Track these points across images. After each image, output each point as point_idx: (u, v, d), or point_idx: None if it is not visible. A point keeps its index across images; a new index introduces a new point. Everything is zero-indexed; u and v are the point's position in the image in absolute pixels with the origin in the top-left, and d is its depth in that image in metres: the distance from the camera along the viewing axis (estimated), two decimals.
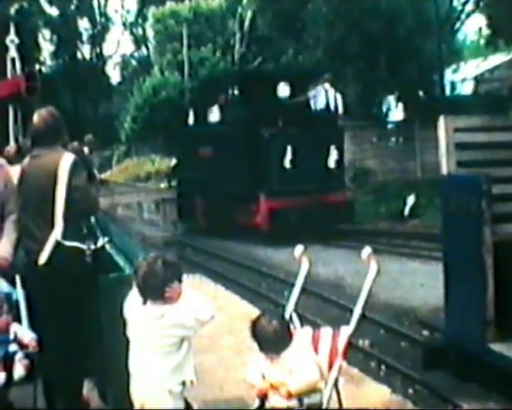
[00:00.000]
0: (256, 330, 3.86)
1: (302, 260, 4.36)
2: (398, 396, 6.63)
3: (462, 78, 30.28)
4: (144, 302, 3.68)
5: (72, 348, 4.79)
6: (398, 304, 11.12)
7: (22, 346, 4.44)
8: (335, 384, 3.92)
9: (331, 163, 18.64)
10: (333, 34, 24.66)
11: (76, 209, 4.87)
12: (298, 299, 4.32)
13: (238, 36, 32.95)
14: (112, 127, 41.88)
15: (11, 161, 6.02)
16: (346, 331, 3.98)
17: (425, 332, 9.35)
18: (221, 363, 7.09)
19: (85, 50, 54.05)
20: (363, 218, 20.22)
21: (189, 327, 3.64)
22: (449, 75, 27.82)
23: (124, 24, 55.86)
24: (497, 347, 6.24)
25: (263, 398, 3.86)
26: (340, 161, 19.00)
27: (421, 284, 12.01)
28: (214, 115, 21.19)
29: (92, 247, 4.87)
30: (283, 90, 18.93)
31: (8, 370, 4.34)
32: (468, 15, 29.85)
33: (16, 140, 16.50)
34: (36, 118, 5.06)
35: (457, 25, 30.24)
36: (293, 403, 3.74)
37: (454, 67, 29.55)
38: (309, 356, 3.87)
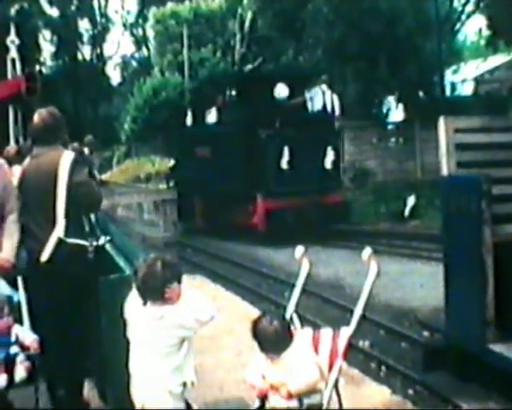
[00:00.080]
0: (257, 331, 3.86)
1: (302, 260, 4.36)
2: (399, 397, 6.64)
3: (462, 78, 30.26)
4: (144, 303, 3.68)
5: (73, 345, 4.79)
6: (398, 305, 11.12)
7: (23, 348, 4.44)
8: (335, 385, 3.92)
9: (328, 164, 18.72)
10: (333, 34, 24.64)
11: (80, 205, 4.87)
12: (298, 300, 4.32)
13: (238, 36, 32.93)
14: (112, 128, 41.91)
15: (11, 162, 6.02)
16: (346, 332, 3.98)
17: (425, 333, 9.34)
18: (221, 364, 7.09)
19: (86, 51, 54.17)
20: (364, 218, 20.23)
21: (189, 328, 3.64)
22: (449, 76, 27.80)
23: (124, 25, 55.96)
24: (497, 347, 6.24)
25: (263, 398, 3.86)
26: (336, 162, 19.09)
27: (421, 284, 12.01)
28: (212, 116, 21.28)
29: (94, 243, 4.88)
30: (280, 91, 18.99)
31: (10, 372, 4.34)
32: (468, 16, 29.84)
33: (16, 141, 16.50)
34: (36, 118, 5.06)
35: (457, 25, 30.23)
36: (294, 404, 3.75)
37: (454, 67, 29.55)
38: (309, 357, 3.87)
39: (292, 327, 4.03)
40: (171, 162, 25.41)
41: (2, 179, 5.07)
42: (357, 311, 3.98)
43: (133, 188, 29.49)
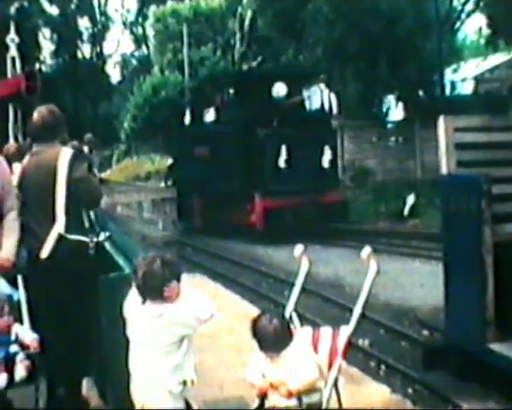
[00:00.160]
0: (256, 330, 3.86)
1: (302, 259, 4.36)
2: (398, 396, 6.63)
3: (462, 77, 30.24)
4: (143, 302, 3.68)
5: (74, 343, 4.78)
6: (397, 304, 11.13)
7: (23, 347, 4.43)
8: (335, 384, 3.92)
9: (325, 163, 18.74)
10: (333, 34, 24.65)
11: (80, 201, 4.86)
12: (298, 298, 4.32)
13: (238, 35, 32.95)
14: (112, 126, 41.92)
15: (10, 160, 6.00)
16: (345, 331, 3.98)
17: (425, 332, 9.36)
18: (221, 362, 7.08)
19: (85, 49, 54.22)
20: (363, 217, 20.24)
21: (189, 326, 3.64)
22: (449, 75, 27.79)
23: (124, 23, 55.99)
24: (497, 347, 6.25)
25: (263, 397, 3.86)
26: (334, 161, 19.12)
27: (420, 283, 12.02)
28: (210, 115, 21.32)
29: (95, 240, 4.87)
30: (278, 90, 19.00)
31: (10, 371, 4.33)
32: (468, 15, 29.86)
33: (16, 139, 16.48)
34: (35, 115, 5.05)
35: (457, 24, 30.26)
36: (293, 402, 3.75)
37: (454, 66, 29.53)
38: (309, 355, 3.87)
39: (291, 326, 4.03)
40: (169, 161, 25.47)
41: (0, 177, 5.05)
42: (357, 310, 3.98)
43: (133, 186, 29.50)
